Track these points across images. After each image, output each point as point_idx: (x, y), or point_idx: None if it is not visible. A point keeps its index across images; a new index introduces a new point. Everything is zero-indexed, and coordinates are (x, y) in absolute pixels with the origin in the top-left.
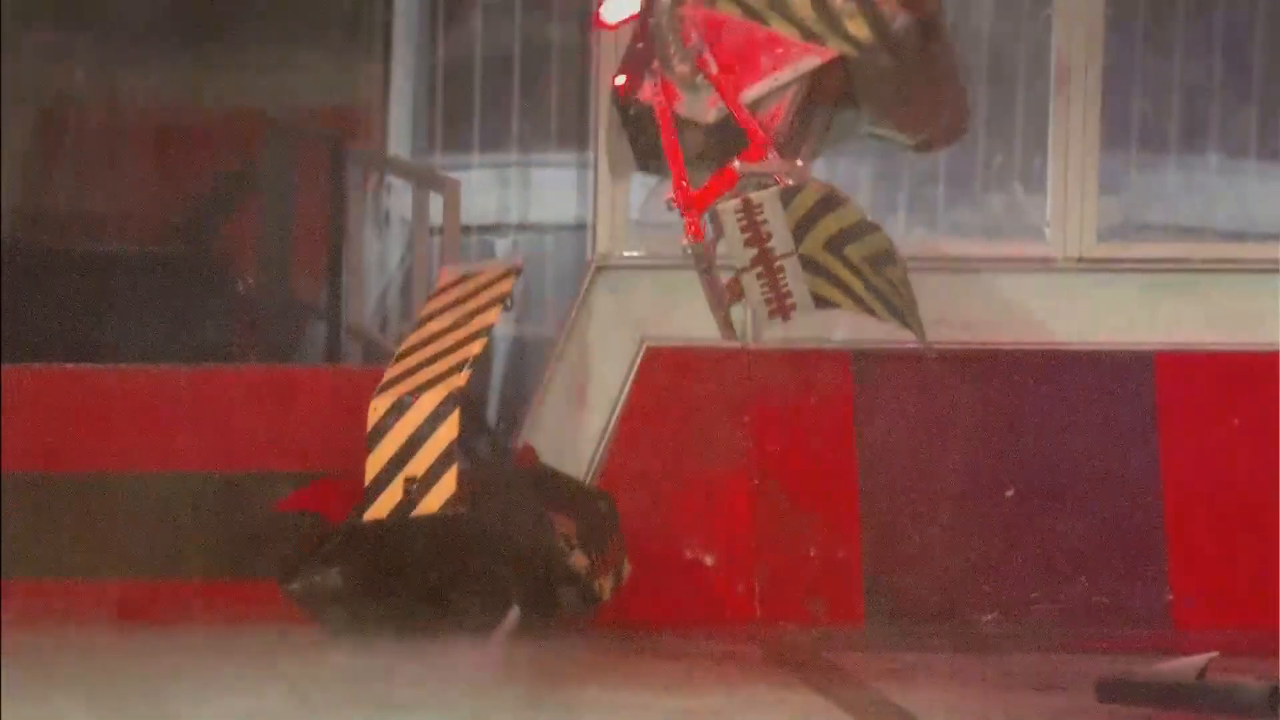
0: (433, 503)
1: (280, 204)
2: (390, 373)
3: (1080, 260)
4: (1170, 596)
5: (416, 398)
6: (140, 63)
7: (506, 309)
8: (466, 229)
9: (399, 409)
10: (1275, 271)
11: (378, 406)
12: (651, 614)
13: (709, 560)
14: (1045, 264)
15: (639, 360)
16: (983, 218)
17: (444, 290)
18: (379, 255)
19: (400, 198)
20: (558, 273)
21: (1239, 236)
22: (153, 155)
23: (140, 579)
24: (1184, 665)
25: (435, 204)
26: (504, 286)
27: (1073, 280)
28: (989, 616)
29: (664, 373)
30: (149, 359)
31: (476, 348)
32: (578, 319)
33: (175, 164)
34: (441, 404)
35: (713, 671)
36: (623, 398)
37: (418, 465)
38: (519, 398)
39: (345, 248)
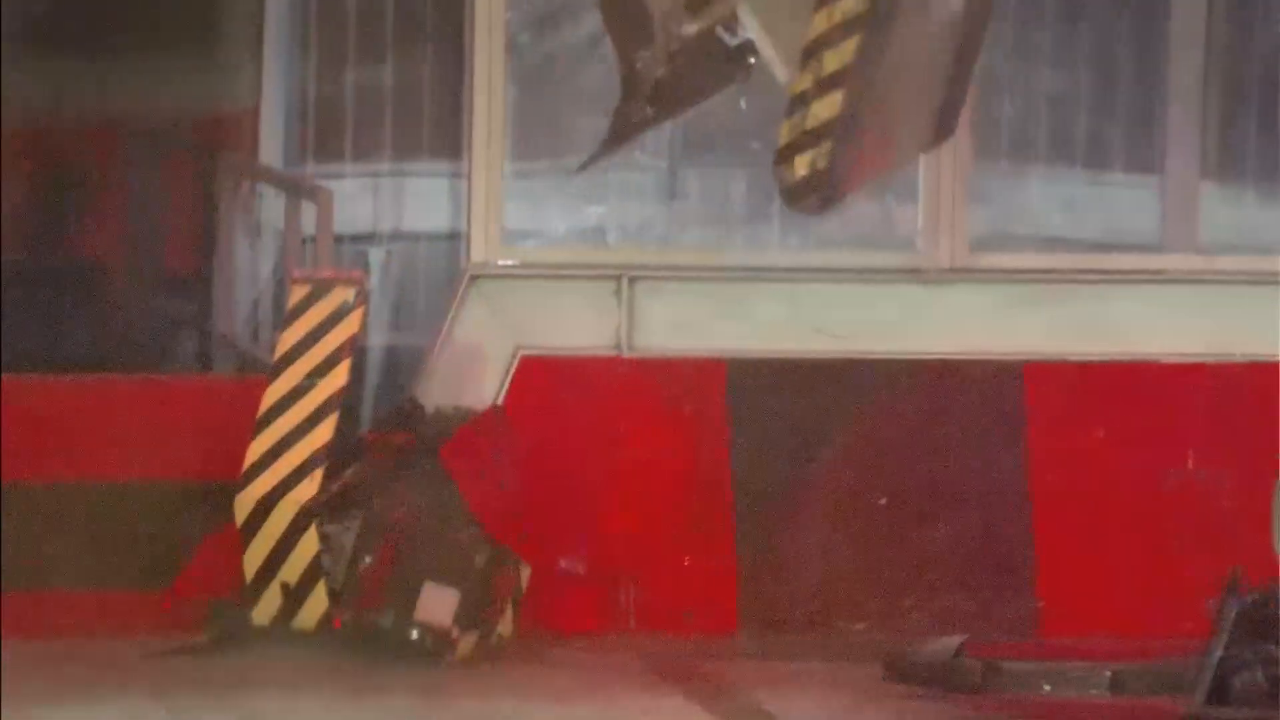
0: (308, 618)
1: (149, 213)
2: (252, 453)
3: (951, 270)
4: (1039, 604)
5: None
6: (9, 70)
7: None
8: (339, 238)
9: (260, 513)
10: (1142, 282)
11: (243, 505)
12: (527, 625)
13: (583, 570)
14: (916, 274)
15: (513, 368)
16: (855, 228)
17: (297, 314)
18: (250, 265)
19: (272, 207)
20: (431, 282)
21: (1106, 247)
22: (20, 164)
23: (13, 590)
24: (945, 645)
25: (308, 213)
26: (351, 327)
27: (943, 290)
28: (861, 625)
29: (538, 381)
30: (17, 369)
31: (326, 430)
32: (452, 327)
33: (43, 173)
34: (295, 519)
35: (588, 681)
36: (494, 404)
37: (290, 572)
38: (393, 406)
39: (216, 257)
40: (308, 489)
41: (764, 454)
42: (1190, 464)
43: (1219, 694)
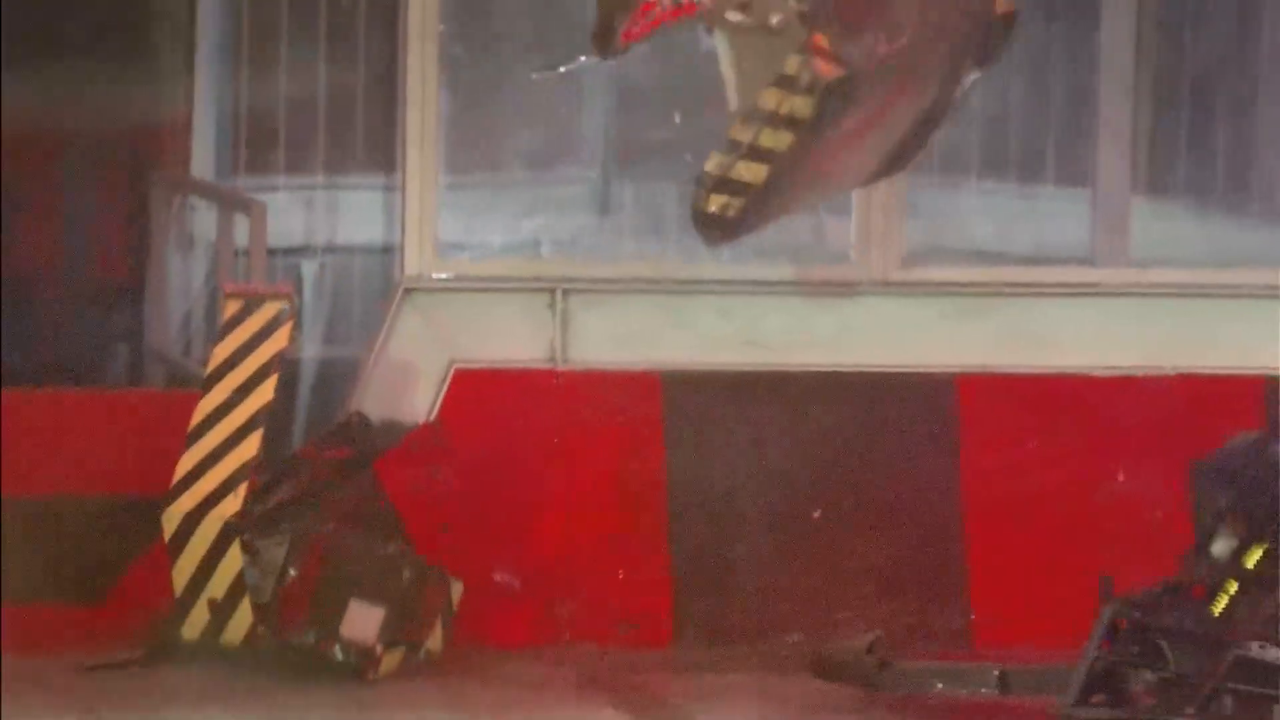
0: (235, 633)
1: (81, 225)
2: (180, 467)
3: (884, 283)
4: (972, 617)
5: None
6: None
7: (283, 363)
8: (272, 251)
9: (187, 528)
10: (1074, 295)
11: (170, 520)
12: (462, 637)
13: (519, 583)
14: (850, 287)
15: (448, 382)
16: (788, 241)
17: (229, 328)
18: (183, 278)
19: (205, 220)
20: (365, 295)
21: (1038, 260)
22: None
23: None
24: (859, 642)
25: (241, 226)
26: (279, 342)
27: (877, 303)
28: (796, 637)
29: (473, 394)
30: None
31: (252, 445)
32: (386, 341)
33: None
34: (220, 534)
35: (521, 694)
36: (431, 419)
37: (216, 588)
38: (327, 419)
39: (148, 270)
40: (232, 504)
41: (699, 466)
42: (1122, 476)
43: (1115, 694)
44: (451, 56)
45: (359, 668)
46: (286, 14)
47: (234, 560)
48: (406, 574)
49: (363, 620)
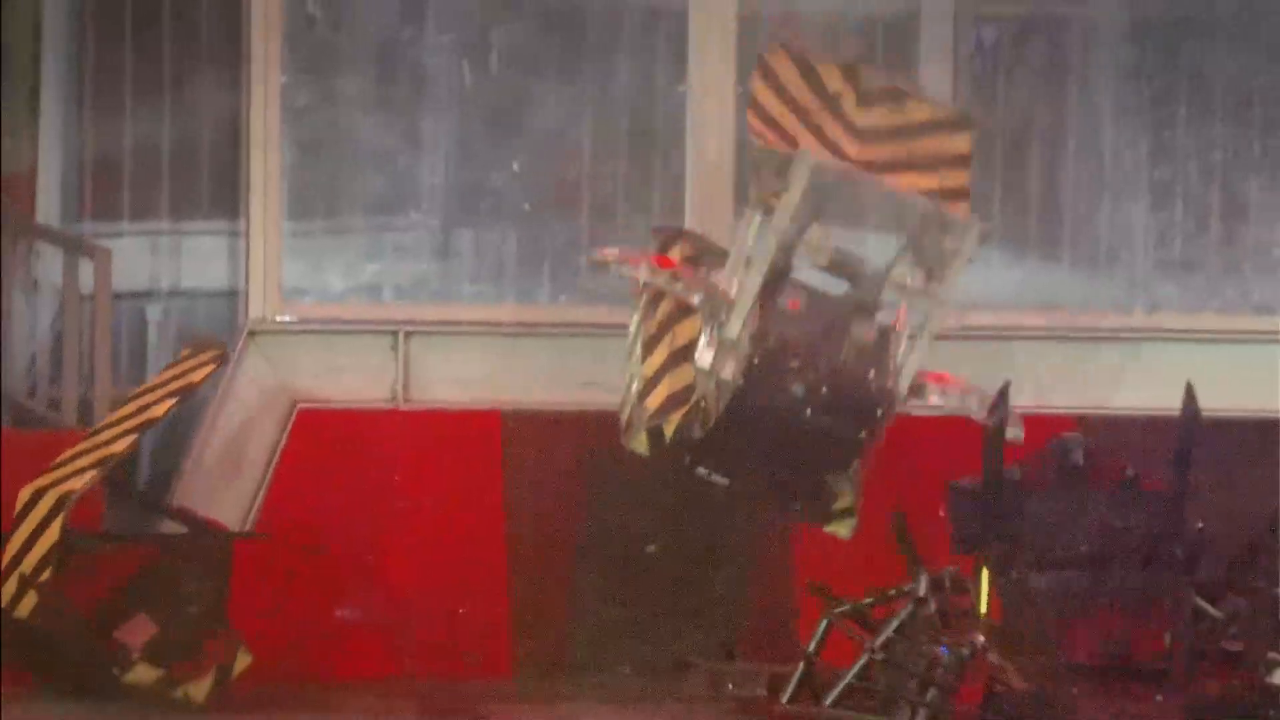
0: (25, 608)
1: None
2: (63, 454)
3: None
4: (803, 645)
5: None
6: None
7: (186, 398)
8: (118, 296)
9: (31, 502)
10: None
11: (23, 494)
12: (303, 671)
13: (360, 617)
14: None
15: (292, 422)
16: (625, 286)
17: (170, 366)
18: (29, 322)
19: (51, 265)
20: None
21: None
22: None
23: None
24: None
25: (86, 271)
26: (195, 375)
27: None
28: (629, 669)
29: (317, 434)
30: None
31: (121, 445)
32: (231, 382)
33: None
34: (51, 509)
35: None
36: (275, 459)
37: (29, 563)
38: (172, 460)
39: None
40: (75, 483)
41: (538, 503)
42: (942, 511)
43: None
44: (294, 106)
45: (107, 661)
46: (130, 61)
47: (51, 534)
48: (193, 610)
49: (136, 629)
